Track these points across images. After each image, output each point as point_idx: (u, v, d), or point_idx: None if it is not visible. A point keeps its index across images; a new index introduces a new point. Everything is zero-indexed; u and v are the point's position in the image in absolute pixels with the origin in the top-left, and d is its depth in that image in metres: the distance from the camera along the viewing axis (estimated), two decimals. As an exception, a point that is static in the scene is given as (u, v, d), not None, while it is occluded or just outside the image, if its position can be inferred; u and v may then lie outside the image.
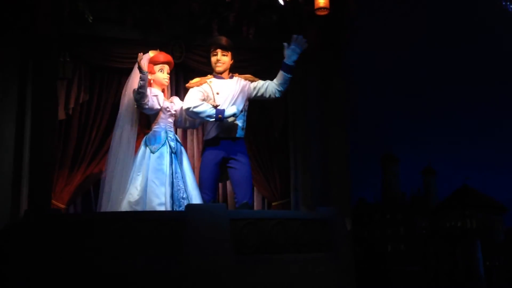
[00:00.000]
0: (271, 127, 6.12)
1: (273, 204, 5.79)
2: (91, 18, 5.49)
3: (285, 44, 4.67)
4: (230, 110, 4.56)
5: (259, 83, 4.82)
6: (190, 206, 3.87)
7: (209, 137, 4.69)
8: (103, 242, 3.72)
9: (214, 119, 4.53)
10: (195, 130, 5.38)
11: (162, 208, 4.23)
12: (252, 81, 4.84)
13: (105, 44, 5.91)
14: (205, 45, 6.23)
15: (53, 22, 5.14)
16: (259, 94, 4.81)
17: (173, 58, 6.18)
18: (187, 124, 4.82)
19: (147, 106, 4.41)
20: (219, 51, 4.74)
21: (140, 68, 4.36)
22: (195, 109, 4.54)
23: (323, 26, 5.22)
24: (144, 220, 3.77)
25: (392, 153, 6.40)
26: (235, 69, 5.49)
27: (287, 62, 4.68)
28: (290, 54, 4.66)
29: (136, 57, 5.99)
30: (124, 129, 4.48)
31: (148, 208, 4.19)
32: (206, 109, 4.54)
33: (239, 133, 4.72)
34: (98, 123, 5.90)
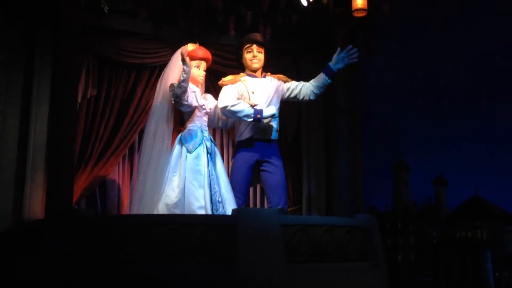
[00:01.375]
0: (284, 132, 5.95)
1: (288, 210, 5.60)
2: (107, 8, 5.16)
3: (339, 49, 4.51)
4: (268, 110, 4.34)
5: (293, 84, 4.63)
6: (240, 211, 3.61)
7: (243, 138, 4.46)
8: (146, 247, 3.41)
9: (252, 119, 4.30)
10: (221, 132, 5.12)
11: (202, 212, 3.94)
12: (285, 82, 4.64)
13: (115, 37, 5.60)
14: (219, 43, 6.04)
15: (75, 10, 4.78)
16: (292, 95, 4.62)
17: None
18: (220, 124, 4.56)
19: (186, 103, 4.12)
20: (254, 47, 4.52)
21: (184, 61, 4.08)
22: (232, 108, 4.29)
23: (353, 30, 5.08)
24: (192, 224, 3.48)
25: (404, 161, 6.43)
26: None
27: (332, 67, 4.51)
28: (337, 61, 4.51)
29: (148, 52, 5.78)
30: (159, 126, 4.17)
31: (187, 211, 3.90)
32: (244, 108, 4.30)
33: (274, 135, 4.51)
34: (106, 119, 5.56)
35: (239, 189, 4.33)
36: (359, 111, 5.84)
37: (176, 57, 4.35)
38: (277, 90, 4.55)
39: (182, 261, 3.40)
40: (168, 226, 3.45)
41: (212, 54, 6.04)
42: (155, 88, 5.78)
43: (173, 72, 4.26)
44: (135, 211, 4.03)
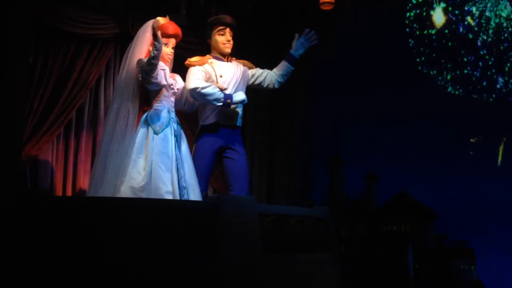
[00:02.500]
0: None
1: None
2: None
3: (296, 34, 4.44)
4: (239, 96, 4.19)
5: (258, 71, 4.52)
6: (220, 198, 3.44)
7: (208, 123, 4.26)
8: (119, 234, 3.13)
9: (221, 104, 4.13)
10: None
11: (170, 197, 3.69)
12: (250, 68, 4.52)
13: (58, 3, 5.10)
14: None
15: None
16: (256, 82, 4.50)
17: (131, 31, 5.58)
18: (186, 106, 4.30)
19: (155, 80, 3.83)
20: (228, 30, 4.33)
21: (156, 36, 3.79)
22: (203, 91, 4.08)
23: (313, 23, 5.10)
24: (171, 210, 3.25)
25: (340, 157, 6.61)
26: (191, 52, 5.12)
27: (294, 54, 4.44)
28: (298, 47, 4.43)
29: (92, 23, 5.33)
30: (123, 104, 3.83)
31: (154, 196, 3.63)
32: (215, 91, 4.11)
33: (239, 122, 4.36)
34: (41, 92, 5.07)
35: (202, 175, 4.14)
36: (302, 104, 5.90)
37: (144, 31, 4.04)
38: (243, 76, 4.42)
39: (161, 249, 3.16)
40: (145, 211, 3.19)
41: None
42: (97, 62, 5.45)
43: (140, 47, 3.96)
44: (95, 194, 3.69)
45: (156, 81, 3.84)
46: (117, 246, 3.13)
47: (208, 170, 4.25)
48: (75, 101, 5.25)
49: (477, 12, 7.28)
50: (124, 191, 3.61)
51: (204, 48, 5.21)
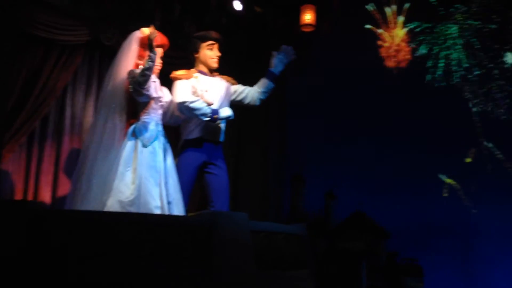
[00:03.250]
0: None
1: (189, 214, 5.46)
2: None
3: (274, 52, 4.51)
4: (225, 111, 4.20)
5: (240, 87, 4.54)
6: (216, 214, 3.42)
7: (191, 137, 4.22)
8: (116, 248, 3.03)
9: (208, 119, 4.11)
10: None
11: (159, 212, 3.60)
12: (232, 84, 4.54)
13: (29, 6, 4.88)
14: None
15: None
16: (238, 98, 4.53)
17: (102, 39, 5.45)
18: (171, 120, 4.23)
19: (147, 92, 3.76)
20: (216, 46, 4.34)
21: (151, 47, 3.72)
22: (191, 105, 4.05)
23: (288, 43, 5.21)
24: (167, 225, 3.19)
25: (301, 175, 6.58)
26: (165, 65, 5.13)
27: (273, 71, 4.50)
28: (277, 64, 4.50)
29: (63, 28, 5.14)
30: (109, 117, 3.71)
31: (143, 210, 3.52)
32: (203, 106, 4.09)
33: (222, 137, 4.36)
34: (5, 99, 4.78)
35: (184, 190, 4.08)
36: (272, 121, 5.97)
37: (129, 43, 3.95)
38: (227, 92, 4.43)
39: (157, 264, 3.09)
40: (142, 226, 3.12)
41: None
42: (66, 69, 5.24)
43: (126, 59, 3.86)
44: (77, 207, 3.53)
45: (147, 93, 3.77)
46: (113, 260, 3.03)
47: (190, 184, 4.20)
48: (41, 109, 5.01)
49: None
50: (112, 205, 3.49)
51: (181, 61, 5.21)
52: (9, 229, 2.92)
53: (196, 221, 3.36)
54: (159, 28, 5.86)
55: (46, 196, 5.07)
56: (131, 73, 3.78)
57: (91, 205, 3.50)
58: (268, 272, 3.55)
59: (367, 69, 6.84)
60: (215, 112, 4.13)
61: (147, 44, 3.87)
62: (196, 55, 4.38)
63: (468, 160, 7.25)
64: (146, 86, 3.72)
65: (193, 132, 4.24)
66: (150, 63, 3.68)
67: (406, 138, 7.27)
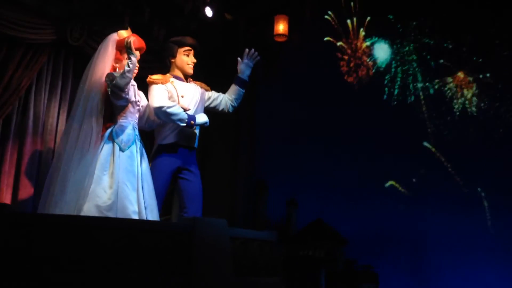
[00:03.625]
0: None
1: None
2: None
3: (239, 59, 4.52)
4: (202, 118, 4.19)
5: (214, 94, 4.55)
6: (196, 220, 3.39)
7: (166, 143, 4.18)
8: (96, 254, 2.96)
9: (185, 124, 4.09)
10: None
11: (136, 217, 3.53)
12: (206, 90, 4.54)
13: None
14: (105, 33, 5.60)
15: None
16: (212, 105, 4.53)
17: (69, 39, 5.34)
18: (146, 124, 4.16)
19: (126, 96, 3.70)
20: (193, 52, 4.33)
21: (131, 50, 3.67)
22: (168, 110, 4.01)
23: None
24: (149, 231, 3.15)
25: (265, 182, 6.53)
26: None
27: (242, 77, 4.51)
28: (244, 69, 4.50)
29: (29, 26, 4.97)
30: (85, 120, 3.61)
31: (121, 215, 3.44)
32: (180, 112, 4.06)
33: (196, 143, 4.35)
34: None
35: (158, 195, 4.02)
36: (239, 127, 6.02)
37: (106, 45, 3.88)
38: (201, 98, 4.43)
39: (138, 271, 3.05)
40: (123, 232, 3.07)
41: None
42: (30, 68, 5.07)
43: (103, 62, 3.79)
44: (51, 211, 3.43)
45: (127, 96, 3.72)
46: (94, 266, 2.97)
47: (164, 190, 4.17)
48: (4, 109, 4.84)
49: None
50: (89, 210, 3.41)
51: (150, 64, 5.17)
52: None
53: (176, 227, 3.34)
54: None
55: (6, 198, 4.88)
56: (109, 76, 3.72)
57: (66, 209, 3.40)
58: (245, 279, 3.57)
59: (332, 80, 7.03)
60: (191, 118, 4.12)
61: (124, 47, 3.83)
62: (173, 60, 4.35)
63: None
64: (126, 90, 3.67)
65: (168, 137, 4.20)
66: (131, 65, 3.64)
67: (366, 148, 7.48)
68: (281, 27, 5.00)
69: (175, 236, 3.25)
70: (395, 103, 8.01)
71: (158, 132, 4.27)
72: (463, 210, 7.82)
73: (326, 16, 7.34)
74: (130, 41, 3.72)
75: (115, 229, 3.07)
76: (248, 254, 3.70)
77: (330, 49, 6.86)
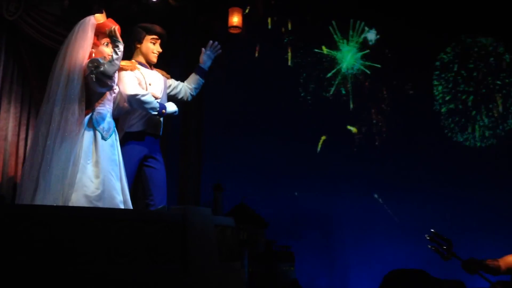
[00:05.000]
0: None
1: None
2: None
3: (203, 49, 4.60)
4: (172, 106, 4.20)
5: (174, 82, 4.56)
6: (187, 210, 3.46)
7: (133, 130, 4.13)
8: (101, 246, 2.94)
9: (156, 113, 4.08)
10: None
11: (123, 206, 3.51)
12: (167, 78, 4.54)
13: None
14: (43, 8, 5.29)
15: None
16: (172, 93, 4.54)
17: (5, 13, 4.99)
18: (115, 112, 4.06)
19: (112, 84, 3.60)
20: (159, 41, 4.29)
21: (116, 38, 3.58)
22: (142, 98, 3.96)
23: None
24: (148, 221, 3.17)
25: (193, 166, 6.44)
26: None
27: (203, 67, 4.58)
28: (206, 60, 4.57)
29: None
30: (66, 107, 3.45)
31: (109, 205, 3.39)
32: (153, 100, 4.04)
33: (161, 131, 4.35)
34: None
35: (127, 183, 4.01)
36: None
37: (83, 29, 3.72)
38: (164, 86, 4.43)
39: (140, 261, 3.07)
40: (125, 223, 3.07)
41: (38, 23, 5.30)
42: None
43: (82, 46, 3.63)
44: (35, 200, 3.28)
45: (113, 84, 3.64)
46: (94, 257, 2.95)
47: (132, 177, 4.13)
48: None
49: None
50: (78, 200, 3.32)
51: None
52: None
53: (170, 217, 3.39)
54: (63, 8, 5.58)
55: None
56: (94, 61, 3.60)
57: (51, 199, 3.28)
58: (226, 264, 3.74)
59: (264, 70, 7.31)
60: (163, 107, 4.13)
61: (101, 33, 3.73)
62: (138, 46, 4.29)
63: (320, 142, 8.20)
64: (113, 77, 3.60)
65: (135, 125, 4.17)
66: (119, 53, 3.58)
67: (287, 135, 7.92)
68: (235, 19, 5.11)
69: (169, 225, 3.32)
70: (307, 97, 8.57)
71: (124, 120, 4.21)
72: (364, 194, 8.67)
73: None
74: (114, 30, 3.63)
75: (120, 220, 3.06)
76: (225, 241, 3.87)
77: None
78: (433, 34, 8.66)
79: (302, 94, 8.40)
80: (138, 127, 4.17)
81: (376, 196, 8.80)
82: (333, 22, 8.66)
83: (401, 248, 8.07)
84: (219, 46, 4.62)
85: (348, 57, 8.79)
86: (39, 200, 3.29)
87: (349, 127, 8.57)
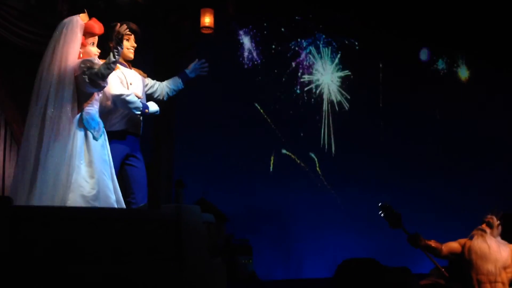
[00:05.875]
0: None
1: None
2: None
3: (197, 59, 4.66)
4: (153, 106, 4.25)
5: (151, 81, 4.60)
6: (181, 208, 3.55)
7: (115, 129, 4.15)
8: (106, 245, 3.00)
9: (139, 113, 4.12)
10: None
11: (116, 206, 3.55)
12: (143, 77, 4.58)
13: None
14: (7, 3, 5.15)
15: None
16: (148, 92, 4.58)
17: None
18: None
19: (105, 85, 3.61)
20: (133, 37, 4.31)
21: (121, 41, 3.62)
22: (127, 98, 3.99)
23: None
24: (147, 220, 3.26)
25: (150, 164, 6.29)
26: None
27: (188, 74, 4.65)
28: (192, 70, 4.64)
29: None
30: (57, 106, 3.44)
31: (104, 205, 3.42)
32: (137, 100, 4.08)
33: (141, 131, 4.40)
34: None
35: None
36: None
37: (72, 29, 3.70)
38: (143, 85, 4.48)
39: (141, 258, 3.16)
40: (126, 221, 3.14)
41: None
42: None
43: (72, 46, 3.62)
44: (31, 200, 3.27)
45: (105, 85, 3.66)
46: (99, 257, 3.02)
47: (116, 176, 4.16)
48: None
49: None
50: (75, 200, 3.34)
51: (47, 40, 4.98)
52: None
53: (165, 215, 3.49)
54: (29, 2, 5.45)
55: None
56: (87, 62, 3.60)
57: (48, 200, 3.29)
58: (213, 259, 3.88)
59: (226, 67, 7.44)
60: (145, 106, 4.19)
61: (88, 32, 3.74)
62: (111, 45, 4.30)
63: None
64: (107, 79, 3.63)
65: (116, 125, 4.20)
66: (117, 56, 3.62)
67: (244, 133, 8.11)
68: (207, 20, 5.20)
69: (164, 223, 3.41)
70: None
71: (105, 119, 4.19)
72: (317, 187, 9.04)
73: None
74: (122, 34, 3.67)
75: (121, 219, 3.13)
76: (210, 237, 4.00)
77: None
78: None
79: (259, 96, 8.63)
80: (119, 126, 4.20)
81: (328, 187, 9.20)
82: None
83: (351, 238, 8.51)
84: (206, 69, 4.68)
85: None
86: (35, 202, 3.28)
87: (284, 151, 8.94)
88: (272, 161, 8.68)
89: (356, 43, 9.64)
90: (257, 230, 8.01)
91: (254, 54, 8.36)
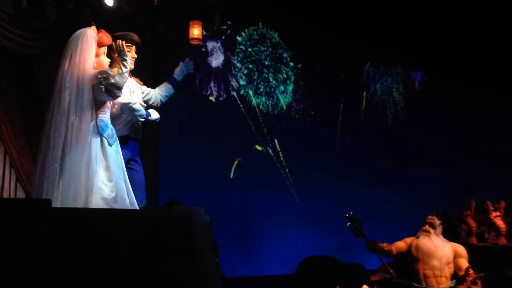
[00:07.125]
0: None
1: None
2: None
3: (181, 62, 4.96)
4: (155, 114, 4.50)
5: (146, 89, 4.83)
6: (192, 210, 3.84)
7: (118, 135, 4.33)
8: (133, 244, 3.27)
9: (143, 120, 4.37)
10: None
11: (130, 208, 3.79)
12: (140, 85, 4.82)
13: None
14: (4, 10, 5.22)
15: None
16: (144, 99, 4.81)
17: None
18: None
19: (120, 94, 3.83)
20: (134, 48, 4.54)
21: (124, 51, 3.84)
22: (134, 106, 4.23)
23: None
24: (164, 221, 3.55)
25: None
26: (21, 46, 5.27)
27: (176, 78, 4.93)
28: (179, 73, 4.93)
29: None
30: (78, 114, 3.66)
31: (121, 207, 3.66)
32: (141, 108, 4.32)
33: (141, 136, 4.64)
34: None
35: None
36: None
37: (86, 41, 3.89)
38: (141, 93, 4.72)
39: (162, 257, 3.44)
40: (148, 223, 3.42)
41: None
42: None
43: (88, 57, 3.83)
44: (56, 203, 3.47)
45: (120, 94, 3.89)
46: (127, 255, 3.28)
47: (119, 180, 4.39)
48: None
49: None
50: (97, 202, 3.57)
51: (33, 43, 5.17)
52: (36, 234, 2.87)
53: (177, 216, 3.78)
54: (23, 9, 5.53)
55: None
56: (104, 73, 3.81)
57: (70, 202, 3.50)
58: (216, 258, 4.22)
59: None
60: (148, 113, 4.45)
61: (99, 43, 3.97)
62: (114, 55, 4.51)
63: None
64: (122, 89, 3.87)
65: (120, 130, 4.41)
66: (127, 65, 3.86)
67: (215, 134, 8.44)
68: (196, 31, 5.46)
69: (178, 224, 3.72)
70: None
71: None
72: (278, 188, 9.51)
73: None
74: (122, 44, 3.90)
75: (141, 220, 3.41)
76: (210, 236, 4.33)
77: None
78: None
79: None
80: (123, 132, 4.43)
81: (289, 186, 9.69)
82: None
83: (310, 236, 9.03)
84: (193, 66, 4.98)
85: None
86: (59, 204, 3.48)
87: (257, 146, 9.35)
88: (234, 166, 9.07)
89: None
90: (222, 230, 8.35)
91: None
